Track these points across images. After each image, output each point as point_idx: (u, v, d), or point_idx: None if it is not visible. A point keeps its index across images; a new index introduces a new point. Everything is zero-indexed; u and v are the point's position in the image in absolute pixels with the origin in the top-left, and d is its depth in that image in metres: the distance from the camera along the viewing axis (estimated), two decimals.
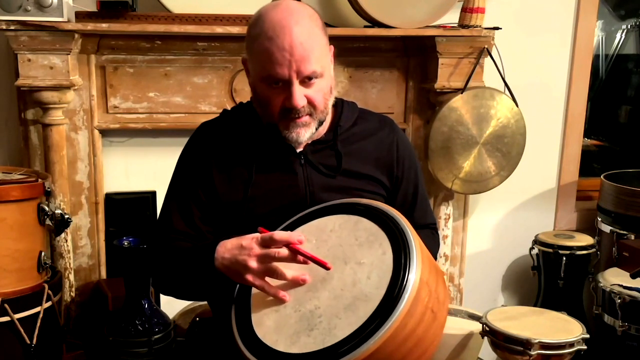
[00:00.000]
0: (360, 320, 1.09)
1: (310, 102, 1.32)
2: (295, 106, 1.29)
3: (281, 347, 1.13)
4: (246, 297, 1.24)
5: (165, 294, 1.44)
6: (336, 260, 1.21)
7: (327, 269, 1.18)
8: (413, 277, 1.11)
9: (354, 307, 1.12)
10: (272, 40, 1.26)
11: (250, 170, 1.38)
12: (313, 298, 1.18)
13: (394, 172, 1.48)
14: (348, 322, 1.10)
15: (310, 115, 1.33)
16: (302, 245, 1.22)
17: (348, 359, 1.06)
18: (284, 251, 1.19)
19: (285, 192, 1.39)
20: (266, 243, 1.21)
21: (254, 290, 1.24)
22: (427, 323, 1.14)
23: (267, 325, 1.18)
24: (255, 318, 1.20)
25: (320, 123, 1.37)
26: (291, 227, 1.31)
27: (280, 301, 1.20)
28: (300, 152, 1.41)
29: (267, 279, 1.22)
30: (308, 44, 1.27)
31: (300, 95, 1.29)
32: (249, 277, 1.21)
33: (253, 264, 1.20)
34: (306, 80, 1.30)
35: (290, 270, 1.21)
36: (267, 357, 1.13)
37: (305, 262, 1.20)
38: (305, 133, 1.34)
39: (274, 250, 1.19)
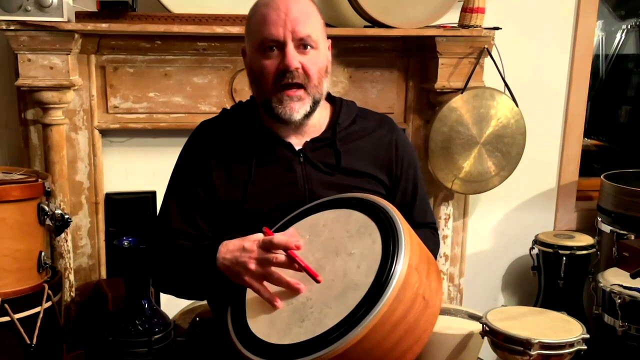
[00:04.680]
0: (349, 308, 1.10)
1: (305, 70, 1.32)
2: (289, 65, 1.30)
3: (274, 339, 1.15)
4: (242, 294, 1.26)
5: (165, 292, 1.45)
6: (328, 253, 1.22)
7: (317, 281, 1.19)
8: (401, 263, 1.12)
9: (344, 296, 1.13)
10: (269, 4, 1.32)
11: (249, 168, 1.38)
12: (305, 291, 1.19)
13: (393, 171, 1.48)
14: (338, 310, 1.11)
15: (305, 89, 1.33)
16: (301, 249, 1.22)
17: (337, 346, 1.07)
18: (281, 257, 1.20)
19: (284, 190, 1.39)
20: (266, 246, 1.21)
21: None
22: (418, 310, 1.14)
23: (261, 321, 1.19)
24: (250, 314, 1.22)
25: (315, 103, 1.37)
26: (286, 225, 1.32)
27: (272, 306, 1.21)
28: (299, 150, 1.41)
29: (265, 282, 1.22)
30: (304, 8, 1.32)
31: (294, 56, 1.31)
32: (247, 279, 1.22)
33: (252, 266, 1.21)
34: (301, 45, 1.31)
35: (288, 276, 1.21)
36: (260, 350, 1.15)
37: (299, 270, 1.21)
38: (300, 109, 1.34)
39: (272, 255, 1.20)
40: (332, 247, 1.23)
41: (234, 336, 1.20)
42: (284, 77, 1.31)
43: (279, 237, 1.22)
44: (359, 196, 1.31)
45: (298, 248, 1.21)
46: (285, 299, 1.20)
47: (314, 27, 1.33)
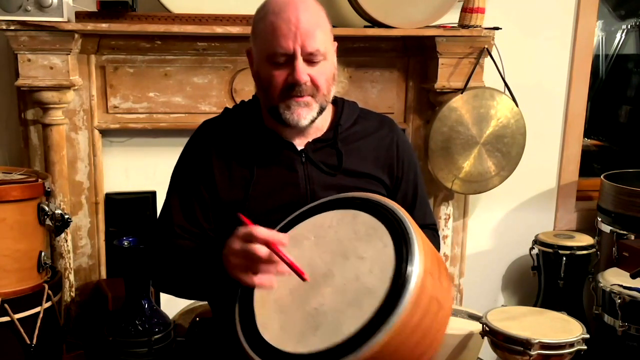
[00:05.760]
0: (365, 315, 1.08)
1: (313, 82, 1.32)
2: (298, 80, 1.30)
3: (289, 348, 1.12)
4: (249, 299, 1.23)
5: (165, 291, 1.44)
6: (336, 256, 1.20)
7: (304, 279, 1.15)
8: (416, 269, 1.10)
9: (358, 301, 1.11)
10: (278, 14, 1.30)
11: (251, 168, 1.38)
12: (317, 295, 1.16)
13: (394, 172, 1.48)
14: (354, 317, 1.09)
15: (312, 96, 1.34)
16: (285, 246, 1.18)
17: (357, 355, 1.04)
18: (262, 250, 1.16)
19: (285, 191, 1.39)
20: (247, 238, 1.18)
21: (256, 292, 1.22)
22: (433, 313, 1.13)
23: (273, 327, 1.16)
24: (260, 320, 1.18)
25: (322, 110, 1.37)
26: (289, 225, 1.30)
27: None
28: (301, 150, 1.41)
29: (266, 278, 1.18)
30: (313, 20, 1.31)
31: (303, 70, 1.30)
32: (236, 274, 1.19)
33: (235, 260, 1.18)
34: (310, 59, 1.31)
35: (273, 267, 1.17)
36: (275, 359, 1.12)
37: (282, 269, 1.16)
38: (307, 115, 1.34)
39: (252, 247, 1.16)
40: (340, 249, 1.21)
41: (245, 344, 1.17)
42: (293, 89, 1.32)
43: (260, 230, 1.17)
44: (364, 196, 1.28)
45: (282, 245, 1.17)
46: (296, 304, 1.17)
47: (323, 39, 1.32)
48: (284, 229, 1.29)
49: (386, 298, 1.08)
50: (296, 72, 1.29)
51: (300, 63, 1.30)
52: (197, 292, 1.41)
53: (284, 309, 1.18)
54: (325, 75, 1.34)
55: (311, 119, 1.35)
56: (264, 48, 1.33)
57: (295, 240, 1.26)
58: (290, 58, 1.30)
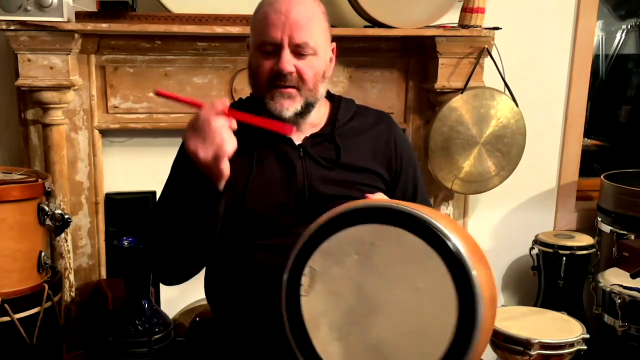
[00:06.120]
0: (436, 355, 1.06)
1: (299, 74, 1.33)
2: (282, 69, 1.31)
3: None
4: (299, 319, 1.16)
5: (168, 276, 1.40)
6: (387, 282, 1.12)
7: (286, 133, 1.22)
8: (480, 303, 1.05)
9: (423, 341, 1.08)
10: (272, 5, 1.33)
11: (250, 162, 1.39)
12: (374, 325, 1.11)
13: (393, 167, 1.49)
14: (422, 356, 1.07)
15: (298, 89, 1.34)
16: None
17: None
18: (218, 123, 1.21)
19: (284, 185, 1.39)
20: (197, 125, 1.21)
21: (304, 314, 1.15)
22: (489, 338, 1.14)
23: (334, 355, 1.12)
24: (320, 347, 1.13)
25: (307, 105, 1.37)
26: (318, 236, 1.17)
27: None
28: (299, 145, 1.41)
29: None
30: (306, 13, 1.32)
31: (289, 60, 1.32)
32: (208, 162, 1.21)
33: (202, 152, 1.21)
34: (298, 51, 1.32)
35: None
36: None
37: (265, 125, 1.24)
38: (290, 107, 1.35)
39: (207, 126, 1.21)
40: (389, 274, 1.11)
41: None
42: (278, 78, 1.33)
43: (204, 112, 1.21)
44: (402, 208, 1.12)
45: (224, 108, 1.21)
46: (354, 332, 1.12)
47: (313, 33, 1.33)
48: (315, 239, 1.16)
49: (453, 342, 1.05)
50: (281, 62, 1.31)
51: (286, 53, 1.31)
52: (191, 224, 1.32)
53: (342, 337, 1.12)
54: (313, 70, 1.35)
55: (294, 112, 1.36)
56: (255, 37, 1.36)
57: (334, 256, 1.15)
58: (278, 48, 1.32)
